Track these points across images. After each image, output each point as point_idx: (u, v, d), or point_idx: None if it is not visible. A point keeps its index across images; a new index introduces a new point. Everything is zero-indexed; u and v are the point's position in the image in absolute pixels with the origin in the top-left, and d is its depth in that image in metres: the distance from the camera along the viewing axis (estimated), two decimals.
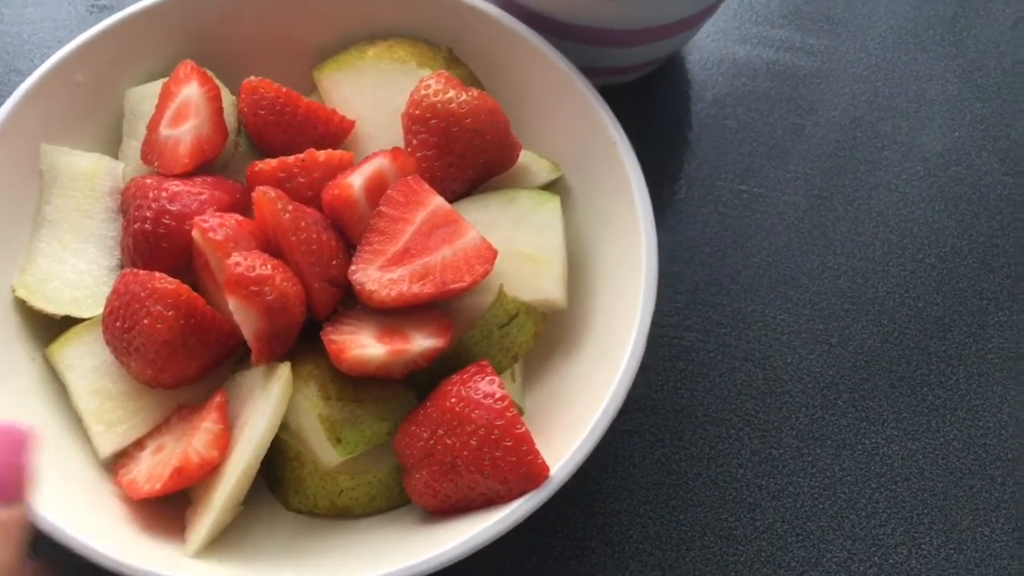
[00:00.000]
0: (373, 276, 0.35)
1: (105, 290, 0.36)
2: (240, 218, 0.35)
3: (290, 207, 0.34)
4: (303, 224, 0.34)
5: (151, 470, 0.33)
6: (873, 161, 0.47)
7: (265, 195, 0.34)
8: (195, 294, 0.34)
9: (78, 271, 0.37)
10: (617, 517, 0.38)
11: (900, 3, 0.51)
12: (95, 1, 0.49)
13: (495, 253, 0.35)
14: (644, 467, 0.39)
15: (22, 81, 0.41)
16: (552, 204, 0.38)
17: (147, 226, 0.35)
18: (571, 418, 0.35)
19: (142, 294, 0.33)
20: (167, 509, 0.34)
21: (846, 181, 0.46)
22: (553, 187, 0.40)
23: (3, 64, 0.47)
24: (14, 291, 0.36)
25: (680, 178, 0.46)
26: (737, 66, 0.49)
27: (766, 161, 0.47)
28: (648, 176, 0.37)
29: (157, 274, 0.34)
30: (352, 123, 0.40)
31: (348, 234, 0.36)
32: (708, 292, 0.43)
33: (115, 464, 0.35)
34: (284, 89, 0.39)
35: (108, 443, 0.35)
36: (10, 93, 0.42)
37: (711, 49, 0.50)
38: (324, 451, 0.34)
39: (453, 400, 0.33)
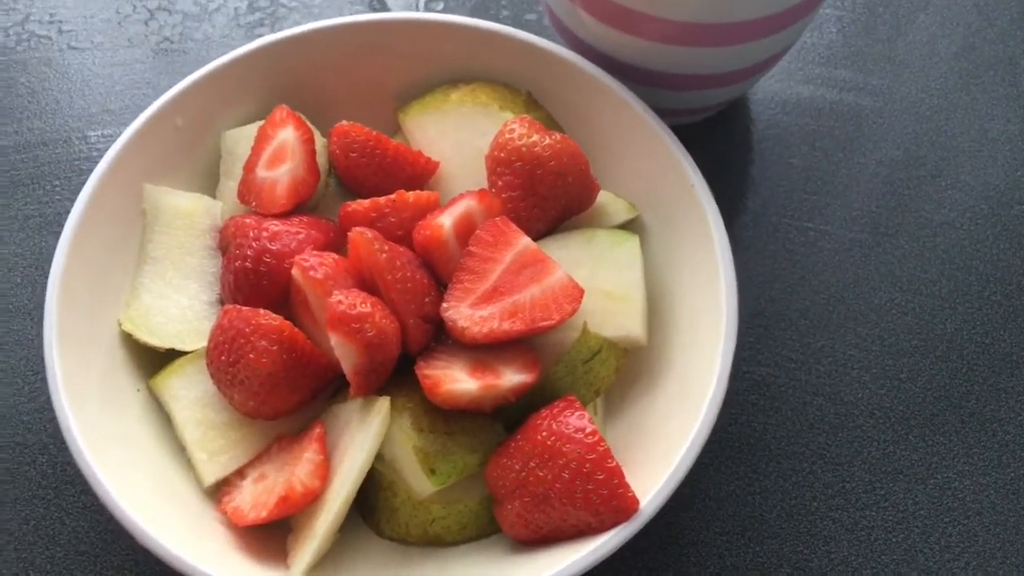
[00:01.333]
0: (465, 313, 0.36)
1: (206, 324, 0.38)
2: (337, 257, 0.37)
3: (386, 247, 0.36)
4: (398, 263, 0.36)
5: (255, 498, 0.35)
6: (937, 199, 0.48)
7: (362, 235, 0.36)
8: (296, 330, 0.36)
9: (180, 306, 0.38)
10: (694, 548, 0.40)
11: (959, 44, 0.52)
12: (162, 44, 0.52)
13: (582, 292, 0.36)
14: (719, 499, 0.40)
15: (114, 119, 0.43)
16: (631, 243, 0.39)
17: (248, 264, 0.37)
18: (654, 452, 0.36)
19: (247, 330, 0.35)
20: (266, 536, 0.36)
21: (910, 219, 0.47)
22: (629, 226, 0.41)
23: (97, 104, 0.49)
24: (120, 325, 0.38)
25: (746, 215, 0.47)
26: (801, 106, 0.51)
27: (831, 199, 0.48)
28: None
29: (261, 311, 0.35)
30: (437, 164, 0.42)
31: (438, 272, 0.38)
32: (778, 327, 0.44)
33: (218, 492, 0.36)
34: (374, 133, 0.41)
35: (212, 471, 0.36)
36: (104, 129, 0.44)
37: (775, 89, 0.51)
38: (418, 481, 0.35)
39: (544, 434, 0.34)
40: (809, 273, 0.46)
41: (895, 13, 0.53)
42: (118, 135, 0.39)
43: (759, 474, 0.41)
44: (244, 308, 0.36)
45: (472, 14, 0.53)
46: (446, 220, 0.38)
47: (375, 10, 0.54)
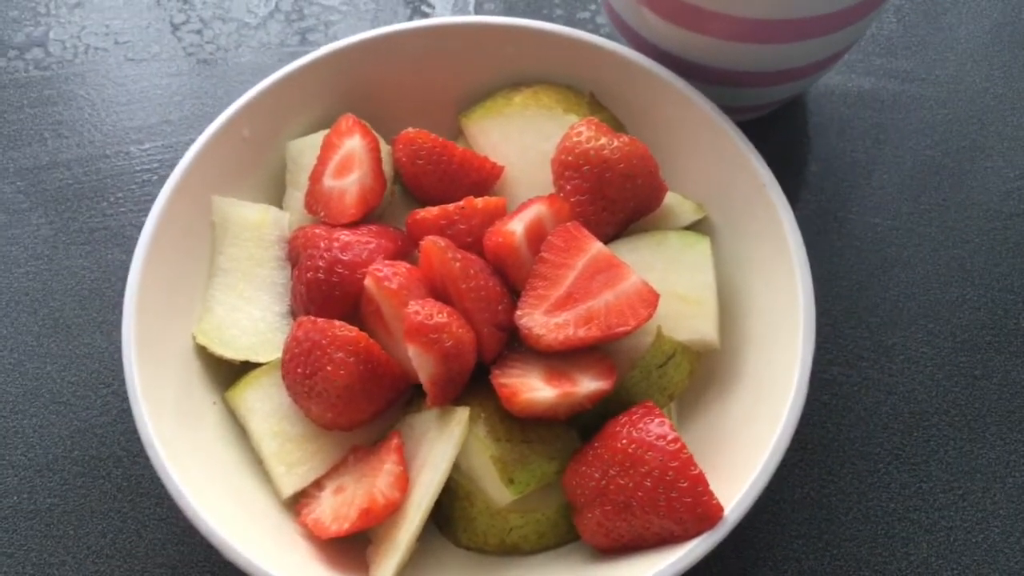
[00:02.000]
0: (539, 320, 0.36)
1: (279, 336, 0.38)
2: (409, 266, 0.37)
3: (459, 256, 0.36)
4: (472, 272, 0.36)
5: (336, 510, 0.35)
6: (1006, 190, 0.47)
7: (435, 244, 0.36)
8: (372, 341, 0.36)
9: (253, 318, 0.39)
10: (771, 552, 0.39)
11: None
12: (217, 53, 0.52)
13: (657, 297, 0.36)
14: (795, 502, 0.40)
15: (173, 129, 0.43)
16: (703, 245, 0.39)
17: (320, 275, 0.37)
18: (734, 458, 0.36)
19: (323, 341, 0.35)
20: (345, 547, 0.36)
21: (979, 212, 0.47)
22: (697, 227, 0.41)
23: (157, 115, 0.50)
24: (195, 338, 0.38)
25: (810, 211, 0.47)
26: (862, 98, 0.50)
27: (897, 193, 0.47)
28: None
29: (336, 322, 0.36)
30: (502, 169, 0.42)
31: (510, 279, 0.38)
32: (848, 325, 0.44)
33: (296, 504, 0.37)
34: (440, 139, 0.41)
35: (290, 483, 0.36)
36: (163, 140, 0.44)
37: (835, 82, 0.50)
38: (496, 490, 0.35)
39: (624, 441, 0.34)
40: (878, 269, 0.45)
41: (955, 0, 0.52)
42: (178, 145, 0.39)
43: (834, 475, 0.40)
44: (319, 320, 0.36)
45: (525, 14, 0.53)
46: (517, 226, 0.37)
47: (421, 13, 0.54)
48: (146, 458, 0.34)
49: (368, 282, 0.36)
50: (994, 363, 0.43)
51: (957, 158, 0.48)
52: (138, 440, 0.34)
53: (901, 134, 0.49)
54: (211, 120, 0.40)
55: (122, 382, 0.40)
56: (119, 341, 0.36)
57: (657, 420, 0.34)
